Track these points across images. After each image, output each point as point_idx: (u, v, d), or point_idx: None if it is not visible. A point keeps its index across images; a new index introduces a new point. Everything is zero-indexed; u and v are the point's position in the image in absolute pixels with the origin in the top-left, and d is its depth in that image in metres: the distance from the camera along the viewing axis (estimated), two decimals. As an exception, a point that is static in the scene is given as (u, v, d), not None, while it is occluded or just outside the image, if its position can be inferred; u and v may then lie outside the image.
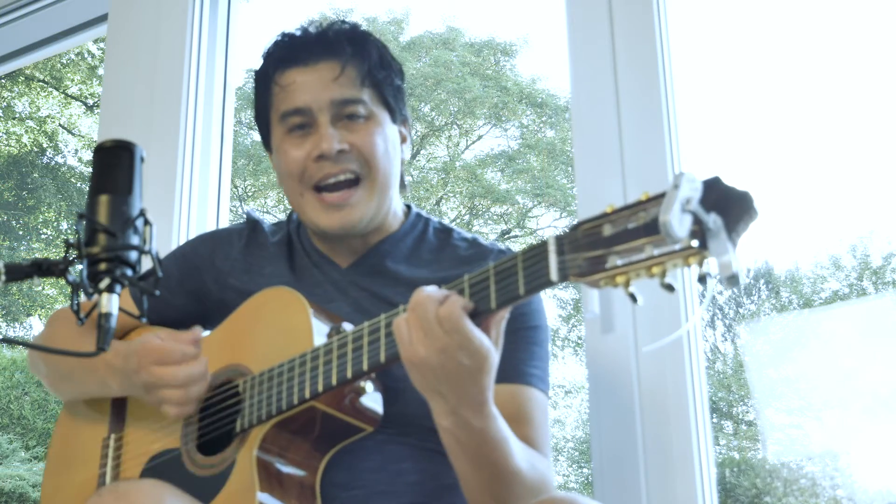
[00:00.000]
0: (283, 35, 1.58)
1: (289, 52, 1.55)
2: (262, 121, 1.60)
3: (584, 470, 9.61)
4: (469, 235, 1.61)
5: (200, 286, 1.63)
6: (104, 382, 1.52)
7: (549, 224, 12.28)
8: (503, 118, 12.77)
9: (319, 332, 1.36)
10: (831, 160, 10.09)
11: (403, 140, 1.60)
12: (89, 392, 1.60)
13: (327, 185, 1.49)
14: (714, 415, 9.32)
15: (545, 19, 13.22)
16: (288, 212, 1.70)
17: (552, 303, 11.52)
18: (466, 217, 12.28)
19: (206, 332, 1.60)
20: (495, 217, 12.55)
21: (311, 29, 1.56)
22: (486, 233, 12.23)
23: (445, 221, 1.66)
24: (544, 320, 1.52)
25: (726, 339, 10.15)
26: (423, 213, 1.65)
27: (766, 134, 10.73)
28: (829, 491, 8.02)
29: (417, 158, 12.78)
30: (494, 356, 1.18)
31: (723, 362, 10.01)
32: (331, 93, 1.50)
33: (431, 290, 1.17)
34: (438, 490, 1.40)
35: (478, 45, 13.00)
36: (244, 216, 1.71)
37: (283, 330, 1.40)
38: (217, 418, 1.43)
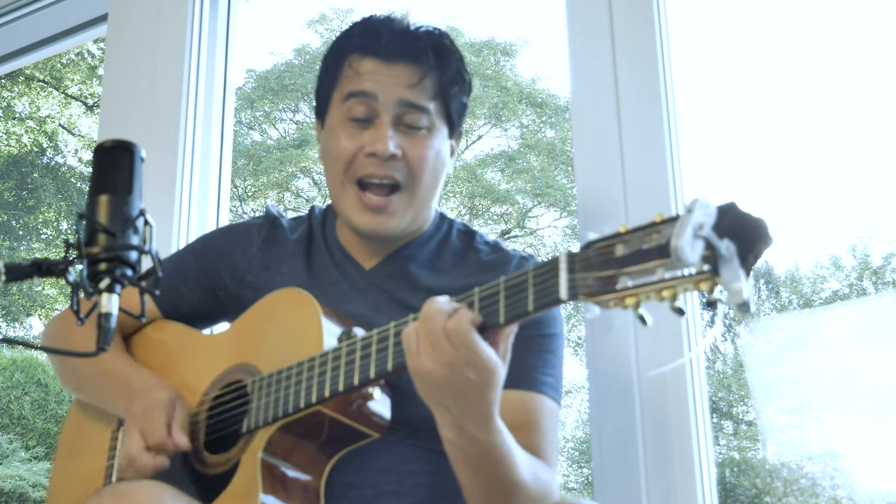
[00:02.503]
0: (369, 22, 1.56)
1: (372, 42, 1.52)
2: (323, 93, 1.59)
3: (584, 470, 9.61)
4: (491, 240, 1.61)
5: (216, 280, 1.62)
6: (109, 392, 1.54)
7: (548, 224, 12.29)
8: (503, 118, 12.78)
9: (330, 335, 1.35)
10: (831, 160, 10.10)
11: (452, 153, 1.60)
12: (94, 396, 1.62)
13: (370, 184, 1.49)
14: (714, 415, 9.32)
15: (545, 19, 13.22)
16: (309, 207, 1.70)
17: (552, 303, 11.51)
18: (466, 217, 12.28)
19: (218, 329, 1.61)
20: (495, 217, 12.55)
21: (398, 25, 1.55)
22: (486, 233, 12.21)
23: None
24: (560, 328, 1.51)
25: (726, 339, 10.16)
26: (447, 213, 1.65)
27: (766, 134, 10.73)
28: (829, 491, 8.02)
29: (417, 158, 12.77)
30: (501, 371, 1.17)
31: (723, 362, 10.01)
32: (402, 93, 1.49)
33: (442, 301, 1.17)
34: (446, 493, 1.39)
35: (478, 45, 13.00)
36: (263, 210, 1.70)
37: (293, 332, 1.40)
38: (225, 417, 1.43)
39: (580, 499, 1.27)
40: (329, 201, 1.66)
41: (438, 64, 1.52)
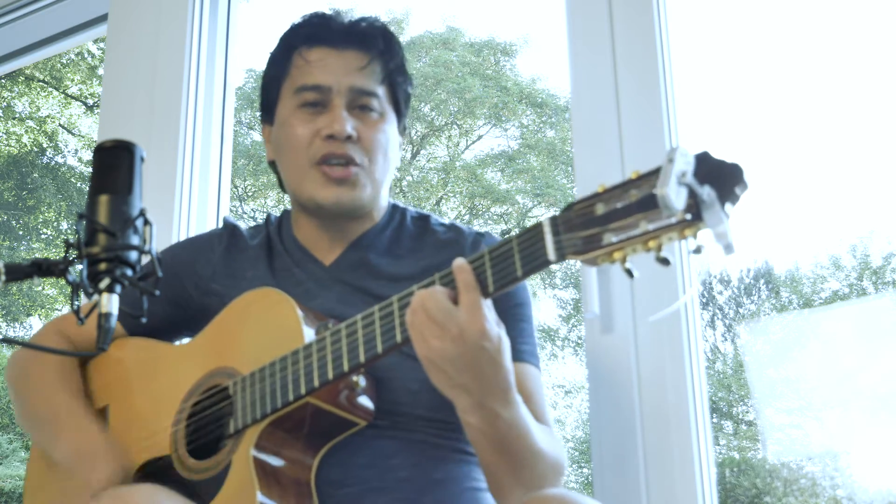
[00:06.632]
0: (316, 14, 1.60)
1: (320, 31, 1.57)
2: (271, 90, 1.61)
3: (584, 470, 9.61)
4: (446, 221, 1.63)
5: (181, 293, 1.62)
6: (55, 438, 1.51)
7: (549, 224, 12.25)
8: (503, 118, 12.78)
9: (308, 329, 1.35)
10: (831, 160, 10.10)
11: (398, 146, 1.63)
12: (36, 437, 1.60)
13: (330, 160, 1.51)
14: (714, 415, 9.32)
15: (545, 19, 13.22)
16: (266, 215, 1.71)
17: (552, 303, 11.53)
18: (466, 217, 12.29)
19: (187, 340, 1.59)
20: (495, 217, 12.55)
21: (344, 16, 1.59)
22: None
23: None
24: (528, 296, 1.55)
25: (726, 339, 10.16)
26: (400, 203, 1.67)
27: (766, 134, 10.73)
28: (829, 491, 8.03)
29: (417, 158, 12.78)
30: (506, 338, 1.20)
31: (723, 362, 10.01)
32: (353, 80, 1.53)
33: (437, 286, 1.19)
34: (429, 485, 1.40)
35: (478, 45, 13.00)
36: (222, 222, 1.71)
37: (272, 329, 1.39)
38: (207, 422, 1.42)
39: (566, 492, 1.26)
40: (284, 208, 1.68)
41: (386, 50, 1.57)
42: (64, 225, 12.43)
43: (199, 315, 1.56)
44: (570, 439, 10.34)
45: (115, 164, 1.09)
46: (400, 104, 1.60)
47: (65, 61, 12.59)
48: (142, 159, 1.11)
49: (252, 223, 1.71)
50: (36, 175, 12.52)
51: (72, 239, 1.05)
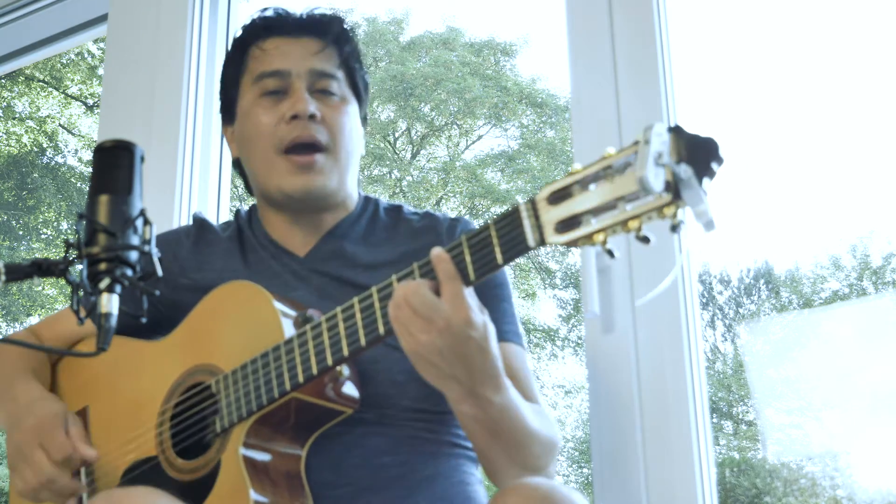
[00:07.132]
0: (268, 8, 1.63)
1: (274, 23, 1.60)
2: (230, 88, 1.62)
3: (584, 470, 9.61)
4: (420, 210, 1.63)
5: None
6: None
7: (549, 224, 12.23)
8: (503, 118, 12.77)
9: (287, 321, 1.35)
10: (831, 160, 10.10)
11: (361, 136, 1.64)
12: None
13: (296, 147, 1.52)
14: (714, 415, 9.32)
15: (545, 19, 13.21)
16: (234, 210, 1.71)
17: (552, 303, 11.53)
18: (466, 217, 12.28)
19: (161, 338, 1.56)
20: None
21: (297, 11, 1.62)
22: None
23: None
24: (505, 276, 1.56)
25: (726, 339, 10.15)
26: (371, 195, 1.67)
27: (766, 134, 10.73)
28: (829, 491, 8.02)
29: (417, 158, 12.77)
30: (491, 325, 1.21)
31: (723, 362, 10.01)
32: (311, 63, 1.55)
33: (418, 280, 1.19)
34: (419, 482, 1.40)
35: (478, 45, 12.99)
36: (191, 218, 1.71)
37: (250, 324, 1.38)
38: (193, 421, 1.41)
39: (545, 482, 1.25)
40: (251, 203, 1.68)
41: (340, 37, 1.59)
42: (64, 225, 12.42)
43: (171, 311, 1.55)
44: (570, 439, 10.33)
45: (115, 164, 1.10)
46: (360, 90, 1.61)
47: (65, 61, 12.58)
48: (142, 159, 1.11)
49: None
50: (36, 175, 12.51)
51: (72, 239, 1.05)
